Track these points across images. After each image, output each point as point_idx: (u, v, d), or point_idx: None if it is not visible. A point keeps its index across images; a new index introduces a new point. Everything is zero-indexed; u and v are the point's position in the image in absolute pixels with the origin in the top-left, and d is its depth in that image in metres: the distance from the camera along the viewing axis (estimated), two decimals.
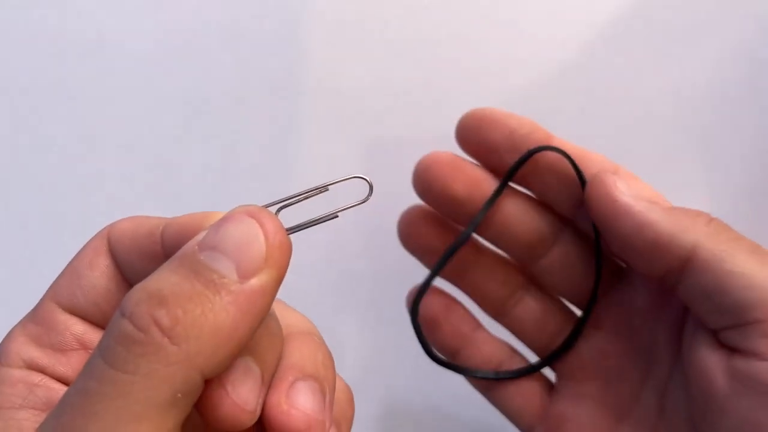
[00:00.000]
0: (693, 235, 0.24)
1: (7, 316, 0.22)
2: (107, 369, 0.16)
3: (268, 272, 0.17)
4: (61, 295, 0.21)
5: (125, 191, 0.38)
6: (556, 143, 0.28)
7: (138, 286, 0.17)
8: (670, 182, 0.37)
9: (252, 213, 0.18)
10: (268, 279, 0.17)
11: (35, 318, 0.20)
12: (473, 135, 0.29)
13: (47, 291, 0.21)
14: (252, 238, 0.17)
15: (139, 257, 0.20)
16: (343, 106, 0.38)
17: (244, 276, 0.17)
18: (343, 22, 0.38)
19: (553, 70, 0.39)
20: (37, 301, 0.21)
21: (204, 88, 0.38)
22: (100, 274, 0.21)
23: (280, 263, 0.18)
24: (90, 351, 0.21)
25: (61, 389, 0.20)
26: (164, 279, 0.17)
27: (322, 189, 0.21)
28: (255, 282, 0.17)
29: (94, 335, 0.21)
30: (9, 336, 0.20)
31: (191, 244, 0.18)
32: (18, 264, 0.38)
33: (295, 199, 0.21)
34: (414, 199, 0.31)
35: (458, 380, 0.32)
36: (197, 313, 0.16)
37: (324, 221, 0.21)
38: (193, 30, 0.38)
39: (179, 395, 0.16)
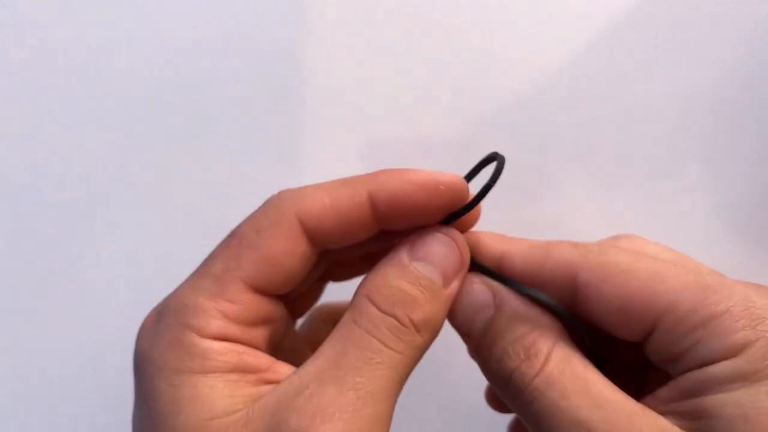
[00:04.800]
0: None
1: None
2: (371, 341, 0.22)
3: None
4: (254, 279, 0.23)
5: (128, 196, 0.39)
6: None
7: (379, 284, 0.23)
8: (672, 186, 0.38)
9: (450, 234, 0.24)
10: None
11: (227, 296, 0.22)
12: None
13: (233, 272, 0.22)
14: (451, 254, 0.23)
15: (341, 227, 0.23)
16: (343, 108, 0.39)
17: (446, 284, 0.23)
18: (343, 23, 0.39)
19: (554, 73, 0.39)
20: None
21: (206, 93, 0.39)
22: (298, 261, 0.23)
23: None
24: (273, 325, 0.24)
25: (263, 356, 0.23)
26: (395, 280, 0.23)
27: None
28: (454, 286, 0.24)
29: (279, 311, 0.24)
30: (203, 313, 0.22)
31: (404, 258, 0.23)
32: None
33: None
34: None
35: None
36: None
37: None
38: (194, 36, 0.39)
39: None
